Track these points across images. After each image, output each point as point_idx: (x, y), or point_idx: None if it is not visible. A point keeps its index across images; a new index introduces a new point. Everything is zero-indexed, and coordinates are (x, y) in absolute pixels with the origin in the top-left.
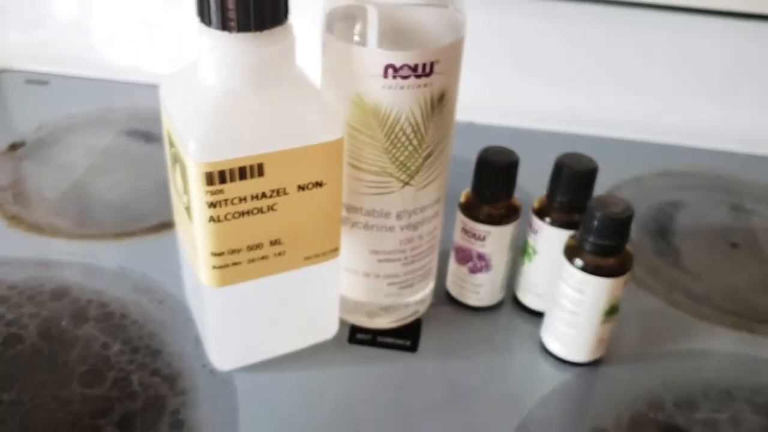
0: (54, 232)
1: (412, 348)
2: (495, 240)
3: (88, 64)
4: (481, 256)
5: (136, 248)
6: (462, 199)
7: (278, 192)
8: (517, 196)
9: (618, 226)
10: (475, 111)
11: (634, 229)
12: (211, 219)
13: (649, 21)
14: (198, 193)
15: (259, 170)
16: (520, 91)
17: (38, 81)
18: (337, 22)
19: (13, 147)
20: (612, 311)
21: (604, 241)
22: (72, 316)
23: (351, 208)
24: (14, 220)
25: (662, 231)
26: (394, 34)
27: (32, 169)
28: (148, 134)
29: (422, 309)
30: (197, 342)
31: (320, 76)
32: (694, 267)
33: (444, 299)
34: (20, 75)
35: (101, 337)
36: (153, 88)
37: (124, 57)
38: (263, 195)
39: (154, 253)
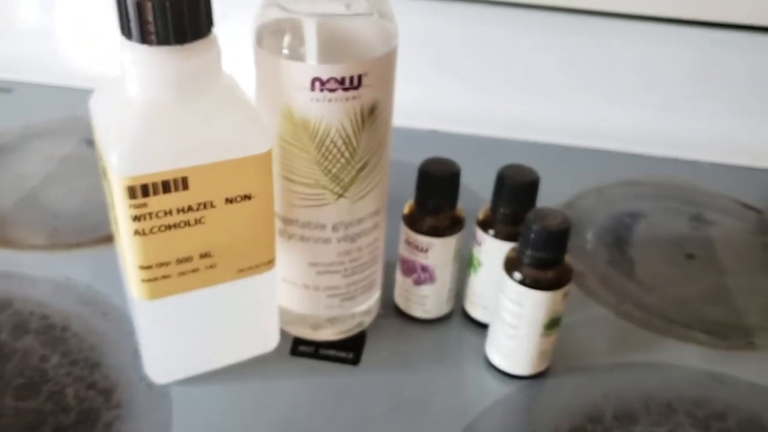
0: (3, 242)
1: (354, 360)
2: (438, 252)
3: (53, 72)
4: (424, 268)
5: (84, 259)
6: (405, 210)
7: (205, 205)
8: (474, 206)
9: (554, 238)
10: (438, 118)
11: (590, 239)
12: (137, 232)
13: (610, 29)
14: (122, 207)
15: (184, 184)
16: (481, 99)
17: (2, 89)
18: (266, 35)
19: None
20: (552, 324)
21: (542, 254)
22: (12, 328)
23: (287, 220)
24: None
25: (618, 241)
26: (329, 47)
27: None
28: None
29: (368, 320)
30: (137, 355)
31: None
32: (648, 278)
33: (392, 311)
34: None
35: (40, 350)
36: None
37: (89, 65)
38: (189, 208)
39: (102, 264)
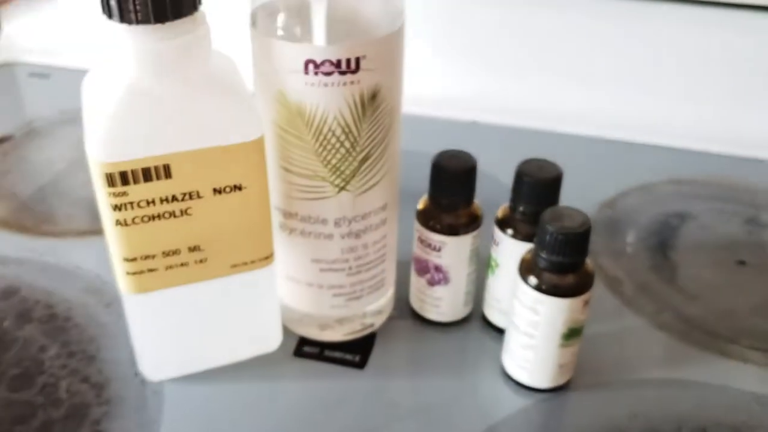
0: (20, 228)
1: (360, 364)
2: (452, 251)
3: (90, 58)
4: (438, 268)
5: (94, 247)
6: (419, 206)
7: (191, 195)
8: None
9: (573, 241)
10: (479, 109)
11: (631, 241)
12: (118, 222)
13: (663, 14)
14: (101, 195)
15: (166, 171)
16: (525, 89)
17: (40, 74)
18: (261, 15)
19: (1, 141)
20: (572, 334)
21: (558, 258)
22: (17, 316)
23: (287, 213)
24: None
25: (662, 244)
26: (330, 28)
27: (13, 164)
28: None
29: (379, 321)
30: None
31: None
32: (691, 285)
33: (407, 312)
34: (25, 68)
35: (41, 340)
36: None
37: None
38: (173, 198)
39: None
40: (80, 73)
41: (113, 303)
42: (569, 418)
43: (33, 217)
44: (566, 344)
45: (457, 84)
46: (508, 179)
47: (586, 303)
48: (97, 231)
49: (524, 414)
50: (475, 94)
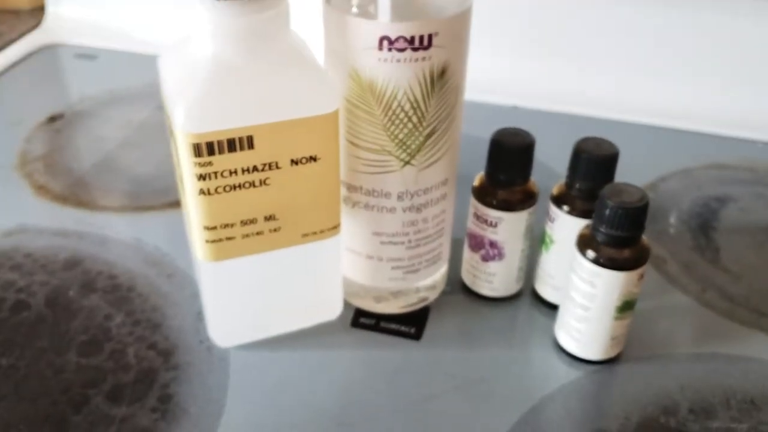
0: (77, 202)
1: (416, 336)
2: (508, 227)
3: (137, 40)
4: (493, 244)
5: (153, 222)
6: (475, 182)
7: (270, 166)
8: (550, 184)
9: (632, 216)
10: (518, 95)
11: (674, 222)
12: (201, 192)
13: (706, 2)
14: (187, 165)
15: (249, 142)
16: (565, 75)
17: (87, 55)
18: None
19: (52, 119)
20: (626, 307)
21: (617, 232)
22: (81, 286)
23: (351, 187)
24: (41, 189)
25: (704, 226)
26: (399, 5)
27: (67, 141)
28: None
29: (433, 296)
30: (199, 317)
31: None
32: (734, 265)
33: (458, 288)
34: (71, 49)
35: (106, 308)
36: None
37: (171, 33)
38: (254, 168)
39: (170, 227)
40: (126, 55)
41: (174, 274)
42: (621, 389)
43: (89, 192)
44: (620, 317)
45: (497, 69)
46: (550, 162)
47: (641, 277)
48: (153, 207)
49: (577, 384)
50: (514, 80)
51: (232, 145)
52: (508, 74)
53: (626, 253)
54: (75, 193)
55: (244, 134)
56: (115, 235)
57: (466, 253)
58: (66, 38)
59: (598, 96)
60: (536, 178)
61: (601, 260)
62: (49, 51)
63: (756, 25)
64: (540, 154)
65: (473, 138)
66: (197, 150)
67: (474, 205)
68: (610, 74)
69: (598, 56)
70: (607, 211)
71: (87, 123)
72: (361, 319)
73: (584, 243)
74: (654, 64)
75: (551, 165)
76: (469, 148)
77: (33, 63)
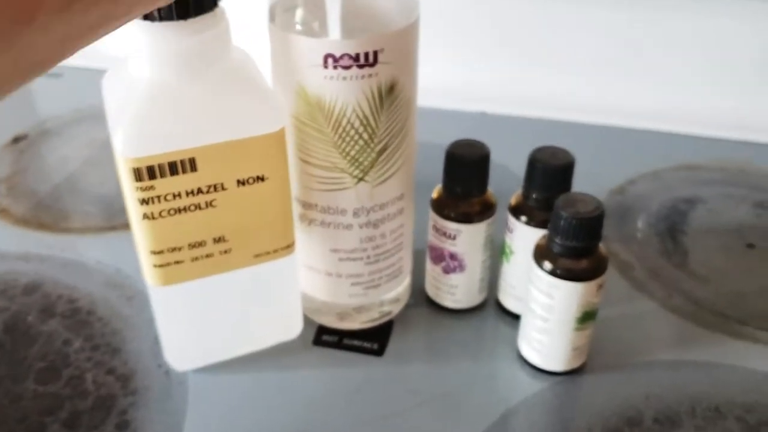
0: (39, 225)
1: (379, 351)
2: (467, 239)
3: (102, 56)
4: (453, 256)
5: (115, 243)
6: (433, 195)
7: (215, 187)
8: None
9: (586, 226)
10: (486, 100)
11: (641, 227)
12: (145, 216)
13: (671, 1)
14: (129, 190)
15: (192, 165)
16: (532, 79)
17: (52, 73)
18: (279, 11)
19: (16, 140)
20: (586, 318)
21: (573, 243)
22: (40, 311)
23: (306, 204)
24: (3, 213)
25: (672, 229)
26: (345, 22)
27: (30, 162)
28: None
29: (396, 309)
30: (158, 341)
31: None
32: (702, 269)
33: (423, 300)
34: None
35: (65, 334)
36: None
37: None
38: (199, 191)
39: (132, 248)
40: (92, 72)
41: (135, 296)
42: (585, 400)
43: (51, 214)
44: (580, 328)
45: (465, 75)
46: (517, 169)
47: (600, 287)
48: (115, 227)
49: (540, 397)
50: (482, 86)
51: (173, 168)
52: (476, 80)
53: (583, 263)
54: (37, 216)
55: (186, 156)
56: (77, 257)
57: (428, 266)
58: None
59: (568, 99)
60: (502, 186)
61: (558, 272)
62: None
63: (723, 24)
64: (508, 161)
65: (439, 146)
66: (138, 174)
67: (433, 218)
68: (580, 77)
69: (567, 59)
70: (562, 222)
71: (51, 143)
72: (324, 337)
73: (541, 254)
74: (623, 66)
75: (518, 172)
76: (437, 157)
77: None
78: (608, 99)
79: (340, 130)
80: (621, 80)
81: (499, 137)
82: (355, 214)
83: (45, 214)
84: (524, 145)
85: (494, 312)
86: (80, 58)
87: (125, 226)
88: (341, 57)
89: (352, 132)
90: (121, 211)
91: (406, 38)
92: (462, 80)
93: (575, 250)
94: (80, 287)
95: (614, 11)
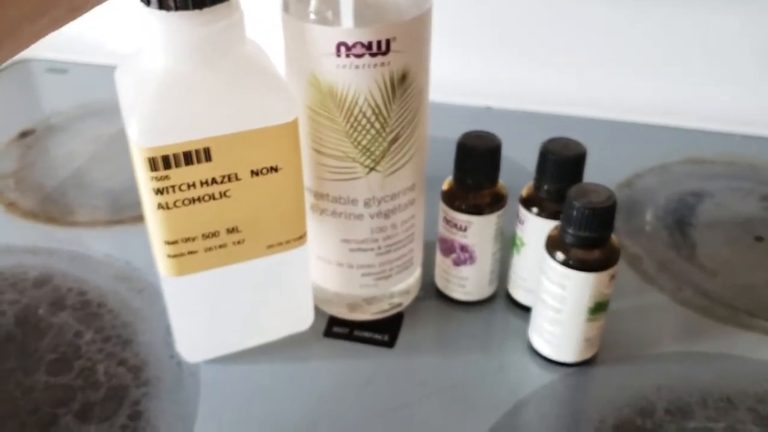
0: (48, 219)
1: (389, 343)
2: (478, 230)
3: (107, 52)
4: (463, 248)
5: (123, 236)
6: (444, 186)
7: (229, 177)
8: (524, 185)
9: (599, 216)
10: (492, 95)
11: (649, 220)
12: (160, 206)
13: None
14: (143, 180)
15: (206, 155)
16: (538, 74)
17: (58, 69)
18: (293, 1)
19: (23, 135)
20: (598, 308)
21: (585, 233)
22: (50, 303)
23: (318, 194)
24: (11, 206)
25: (680, 223)
26: (358, 11)
27: (37, 157)
28: None
29: (406, 301)
30: (169, 332)
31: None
32: (711, 262)
33: (433, 292)
34: (42, 63)
35: (75, 326)
36: None
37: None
38: (213, 181)
39: (140, 241)
40: (98, 68)
41: (145, 289)
42: (596, 391)
43: (59, 208)
44: (592, 318)
45: (471, 70)
46: (524, 162)
47: (612, 277)
48: (122, 221)
49: (551, 388)
50: (488, 81)
51: (188, 158)
52: (481, 75)
53: (596, 254)
54: (45, 209)
55: (201, 146)
56: (85, 251)
57: (438, 258)
58: (37, 53)
59: (574, 94)
60: (511, 180)
61: (571, 262)
62: (20, 66)
63: (730, 19)
64: (515, 155)
65: (447, 140)
66: (153, 164)
67: (443, 209)
68: (586, 72)
69: (573, 55)
70: (575, 213)
71: (58, 138)
72: (334, 328)
73: (553, 245)
74: (630, 61)
75: (526, 166)
76: (443, 151)
77: (4, 78)
78: (614, 94)
79: (352, 119)
80: (628, 76)
81: (506, 131)
82: (367, 204)
83: (53, 208)
84: (531, 138)
85: (504, 304)
86: (85, 55)
87: (132, 220)
88: (354, 45)
89: (364, 121)
90: (128, 205)
91: (419, 27)
92: (468, 75)
93: (588, 241)
94: (89, 280)
95: (619, 7)
